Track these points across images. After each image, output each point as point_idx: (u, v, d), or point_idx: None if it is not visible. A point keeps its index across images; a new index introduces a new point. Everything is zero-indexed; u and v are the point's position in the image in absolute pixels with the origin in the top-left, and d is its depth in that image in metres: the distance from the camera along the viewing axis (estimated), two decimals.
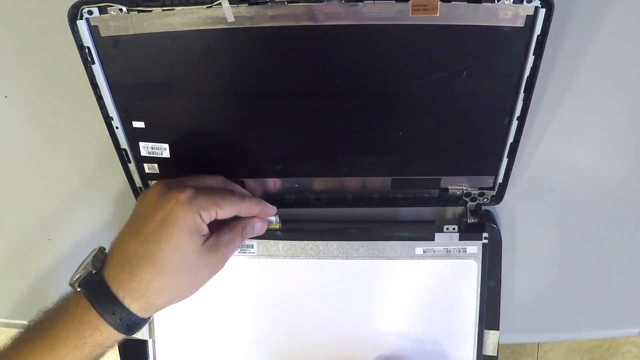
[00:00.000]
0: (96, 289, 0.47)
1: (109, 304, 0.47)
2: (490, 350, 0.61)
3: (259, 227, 0.56)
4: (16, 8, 0.58)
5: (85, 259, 0.50)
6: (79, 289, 0.48)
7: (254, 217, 0.55)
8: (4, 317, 0.67)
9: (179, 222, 0.48)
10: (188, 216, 0.48)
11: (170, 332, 0.62)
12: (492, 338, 0.61)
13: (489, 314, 0.60)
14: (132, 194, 0.60)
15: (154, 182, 0.57)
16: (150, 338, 0.62)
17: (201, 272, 0.50)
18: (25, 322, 0.62)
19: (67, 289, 0.64)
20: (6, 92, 0.61)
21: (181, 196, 0.48)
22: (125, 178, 0.59)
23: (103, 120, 0.54)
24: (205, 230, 0.50)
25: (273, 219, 0.59)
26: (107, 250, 0.50)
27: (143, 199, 0.51)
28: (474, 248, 0.59)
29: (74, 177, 0.63)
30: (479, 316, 0.60)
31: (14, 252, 0.65)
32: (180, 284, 0.49)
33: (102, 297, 0.47)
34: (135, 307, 0.48)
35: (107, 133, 0.55)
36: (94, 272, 0.48)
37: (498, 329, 0.60)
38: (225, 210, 0.50)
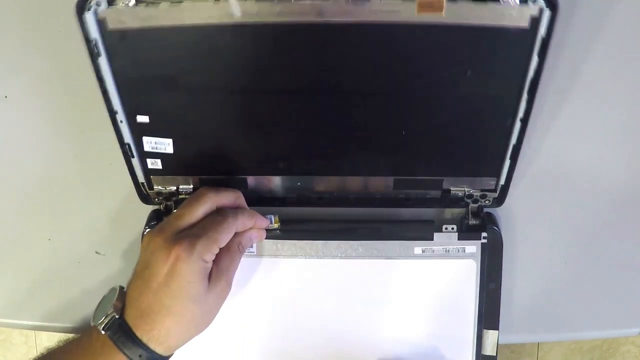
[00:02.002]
0: (122, 333, 0.50)
1: (135, 347, 0.50)
2: (489, 350, 0.61)
3: (256, 237, 0.58)
4: (16, 8, 0.58)
5: (104, 298, 0.53)
6: (103, 332, 0.50)
7: (249, 229, 0.57)
8: (4, 317, 0.66)
9: (184, 275, 0.50)
10: (192, 267, 0.50)
11: None
12: (492, 338, 0.61)
13: (489, 314, 0.60)
14: (132, 193, 0.60)
15: (148, 230, 0.57)
16: None
17: (212, 305, 0.53)
18: (25, 322, 0.62)
19: (67, 289, 0.64)
20: (6, 92, 0.61)
21: (181, 252, 0.50)
22: (126, 178, 0.59)
23: (103, 120, 0.54)
24: (210, 266, 0.52)
25: (272, 218, 0.59)
26: (125, 289, 0.53)
27: (147, 249, 0.52)
28: (473, 248, 0.59)
29: (74, 177, 0.63)
30: (478, 316, 0.60)
31: (14, 252, 0.65)
32: (198, 324, 0.53)
33: (128, 342, 0.50)
34: (160, 349, 0.51)
35: (107, 133, 0.55)
36: (117, 317, 0.51)
37: (497, 329, 0.60)
38: (224, 240, 0.53)
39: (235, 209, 0.55)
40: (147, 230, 0.55)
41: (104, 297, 0.54)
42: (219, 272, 0.53)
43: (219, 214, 0.54)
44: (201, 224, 0.52)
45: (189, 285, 0.50)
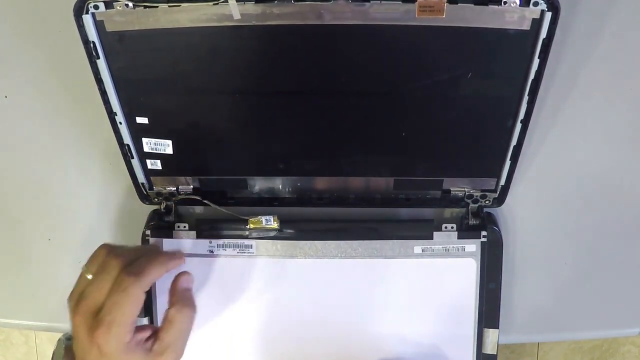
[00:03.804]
0: None
1: None
2: (489, 348, 0.61)
3: (185, 283, 0.55)
4: (16, 8, 0.58)
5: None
6: None
7: (177, 280, 0.55)
8: (4, 317, 0.67)
9: (114, 357, 0.47)
10: (118, 350, 0.47)
11: None
12: (492, 337, 0.61)
13: (489, 313, 0.60)
14: (132, 193, 0.60)
15: (69, 302, 0.50)
16: None
17: None
18: (25, 322, 0.62)
19: (67, 289, 0.64)
20: (6, 92, 0.61)
21: (101, 342, 0.47)
22: (125, 178, 0.59)
23: (103, 120, 0.54)
24: (139, 338, 0.50)
25: (271, 218, 0.59)
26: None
27: (73, 327, 0.49)
28: (473, 247, 0.59)
29: (74, 177, 0.63)
30: (479, 315, 0.60)
31: (14, 252, 0.65)
32: None
33: None
34: None
35: (107, 133, 0.55)
36: None
37: (498, 328, 0.61)
38: (135, 311, 0.49)
39: (134, 273, 0.49)
40: (69, 297, 0.50)
41: (54, 351, 0.52)
42: (162, 345, 0.50)
43: (119, 287, 0.48)
44: (106, 305, 0.48)
45: None
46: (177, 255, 0.57)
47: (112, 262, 0.49)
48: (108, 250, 0.51)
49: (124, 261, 0.49)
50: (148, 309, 0.60)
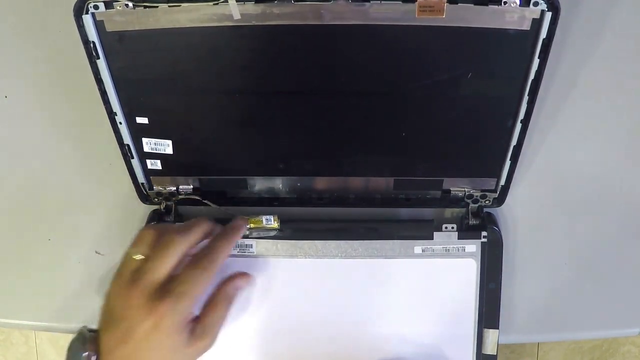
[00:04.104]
0: None
1: None
2: (489, 349, 0.61)
3: (242, 284, 0.57)
4: (16, 8, 0.58)
5: (73, 343, 0.51)
6: None
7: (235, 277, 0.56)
8: (4, 317, 0.66)
9: (168, 332, 0.49)
10: (175, 325, 0.49)
11: None
12: (492, 337, 0.61)
13: (489, 313, 0.60)
14: (132, 193, 0.60)
15: (116, 279, 0.51)
16: None
17: (191, 357, 0.52)
18: (25, 322, 0.62)
19: (67, 289, 0.64)
20: (6, 92, 0.61)
21: (165, 312, 0.48)
22: (126, 178, 0.59)
23: (103, 120, 0.54)
24: (191, 317, 0.51)
25: (272, 218, 0.59)
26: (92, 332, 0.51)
27: (121, 300, 0.50)
28: (473, 247, 0.59)
29: (74, 177, 0.63)
30: (479, 315, 0.60)
31: (14, 252, 0.65)
32: None
33: None
34: None
35: (107, 133, 0.55)
36: None
37: (498, 328, 0.61)
38: (204, 293, 0.52)
39: (210, 253, 0.53)
40: (115, 277, 0.52)
41: (73, 341, 0.51)
42: (204, 329, 0.52)
43: (196, 265, 0.51)
44: (180, 279, 0.50)
45: (170, 340, 0.49)
46: (239, 223, 0.57)
47: (172, 239, 0.51)
48: (159, 230, 0.52)
49: (185, 238, 0.51)
50: None
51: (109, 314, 0.50)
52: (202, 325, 0.52)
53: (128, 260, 0.51)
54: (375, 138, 0.55)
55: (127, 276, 0.50)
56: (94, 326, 0.51)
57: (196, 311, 0.53)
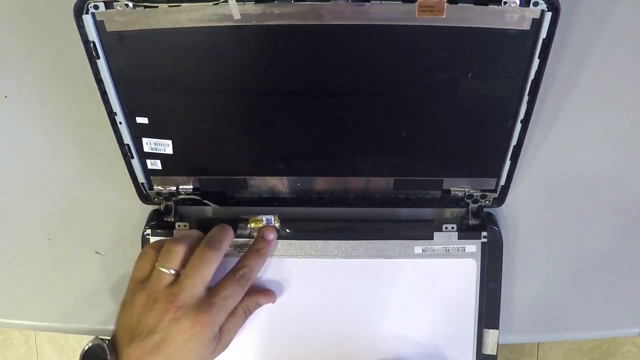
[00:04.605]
0: None
1: None
2: (489, 349, 0.61)
3: (264, 302, 0.60)
4: (16, 8, 0.58)
5: (88, 353, 0.53)
6: None
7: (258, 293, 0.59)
8: (4, 317, 0.66)
9: (202, 342, 0.53)
10: (210, 335, 0.53)
11: None
12: (492, 337, 0.61)
13: (489, 313, 0.60)
14: (132, 193, 0.60)
15: (147, 285, 0.54)
16: None
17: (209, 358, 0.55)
18: (25, 322, 0.62)
19: (67, 289, 0.64)
20: (6, 92, 0.61)
21: (206, 323, 0.52)
22: (125, 178, 0.59)
23: (103, 120, 0.54)
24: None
25: (272, 218, 0.59)
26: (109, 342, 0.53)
27: (157, 313, 0.52)
28: (473, 247, 0.59)
29: (74, 177, 0.63)
30: (479, 315, 0.60)
31: (14, 252, 0.65)
32: None
33: None
34: None
35: (107, 133, 0.55)
36: None
37: (498, 328, 0.61)
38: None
39: (246, 269, 0.56)
40: (143, 290, 0.54)
41: (88, 352, 0.53)
42: (224, 336, 0.55)
43: (234, 281, 0.55)
44: (220, 292, 0.54)
45: (203, 348, 0.53)
46: (269, 237, 0.59)
47: (207, 256, 0.54)
48: (190, 243, 0.55)
49: (218, 253, 0.55)
50: None
51: (135, 326, 0.52)
52: (222, 332, 0.55)
53: (158, 275, 0.53)
54: (375, 138, 0.55)
55: (160, 291, 0.53)
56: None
57: None
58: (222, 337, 0.55)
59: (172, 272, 0.53)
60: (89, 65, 0.51)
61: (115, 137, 0.56)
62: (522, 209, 0.62)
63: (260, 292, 0.59)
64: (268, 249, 0.58)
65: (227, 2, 0.46)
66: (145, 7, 0.47)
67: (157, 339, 0.51)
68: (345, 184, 0.60)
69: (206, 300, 0.53)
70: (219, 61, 0.50)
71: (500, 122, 0.54)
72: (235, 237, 0.60)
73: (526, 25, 0.47)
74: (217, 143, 0.57)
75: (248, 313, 0.58)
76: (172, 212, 0.61)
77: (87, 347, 0.53)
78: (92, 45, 0.49)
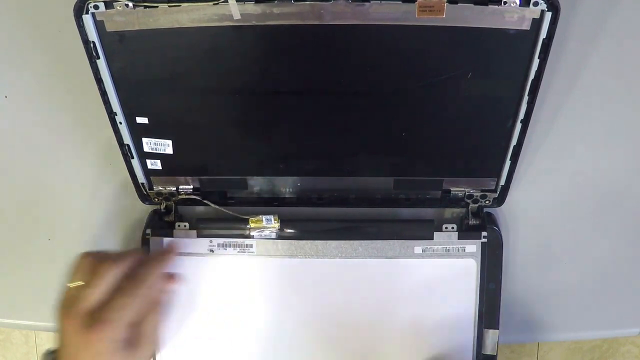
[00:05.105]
0: None
1: None
2: (489, 349, 0.61)
3: (170, 284, 0.58)
4: (16, 8, 0.58)
5: None
6: None
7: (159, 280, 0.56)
8: (4, 317, 0.67)
9: (106, 355, 0.50)
10: (112, 347, 0.50)
11: (171, 332, 0.62)
12: (492, 337, 0.61)
13: (489, 313, 0.60)
14: (132, 193, 0.60)
15: (60, 305, 0.52)
16: None
17: None
18: (25, 322, 0.62)
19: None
20: (6, 92, 0.61)
21: (99, 339, 0.49)
22: (126, 178, 0.59)
23: (103, 120, 0.54)
24: (124, 336, 0.52)
25: (272, 218, 0.59)
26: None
27: (63, 330, 0.51)
28: (473, 247, 0.59)
29: (74, 177, 0.63)
30: (479, 315, 0.60)
31: (14, 252, 0.65)
32: None
33: None
34: None
35: (107, 133, 0.55)
36: None
37: (498, 328, 0.61)
38: (135, 312, 0.52)
39: (135, 279, 0.53)
40: (57, 304, 0.53)
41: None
42: (141, 338, 0.53)
43: (122, 292, 0.51)
44: (108, 306, 0.51)
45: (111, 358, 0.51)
46: (168, 252, 0.58)
47: (105, 267, 0.51)
48: (94, 258, 0.53)
49: (116, 265, 0.52)
50: None
51: (58, 339, 0.52)
52: (138, 335, 0.53)
53: (66, 288, 0.52)
54: (374, 138, 0.55)
55: (64, 303, 0.51)
56: None
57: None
58: (140, 339, 0.53)
59: (76, 284, 0.52)
60: (89, 65, 0.51)
61: (115, 137, 0.56)
62: (522, 209, 0.62)
63: (163, 279, 0.57)
64: (161, 262, 0.56)
65: (227, 2, 0.46)
66: (145, 7, 0.47)
67: (69, 352, 0.51)
68: (345, 184, 0.60)
69: (95, 315, 0.50)
70: (219, 61, 0.51)
71: (500, 122, 0.54)
72: (235, 238, 0.60)
73: (526, 25, 0.47)
74: (217, 143, 0.57)
75: (159, 306, 0.56)
76: (172, 212, 0.61)
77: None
78: (92, 45, 0.49)
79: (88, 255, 0.53)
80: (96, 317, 0.50)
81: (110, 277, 0.51)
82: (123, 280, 0.52)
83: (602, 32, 0.56)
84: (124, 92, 0.53)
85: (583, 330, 0.59)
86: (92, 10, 0.47)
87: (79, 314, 0.50)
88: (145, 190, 0.60)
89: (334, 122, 0.55)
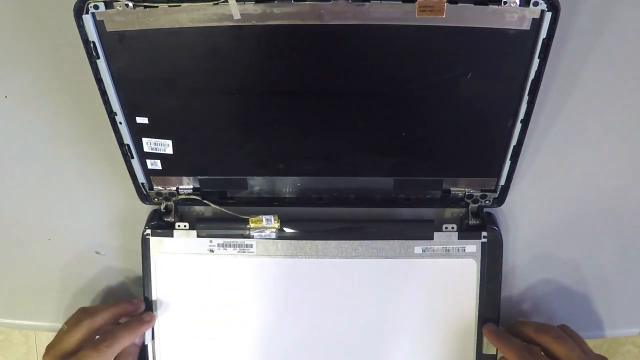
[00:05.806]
0: None
1: None
2: (489, 349, 0.61)
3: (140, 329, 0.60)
4: (16, 8, 0.58)
5: None
6: None
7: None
8: (4, 317, 0.67)
9: None
10: None
11: (171, 332, 0.62)
12: None
13: (489, 313, 0.60)
14: (132, 193, 0.60)
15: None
16: (152, 340, 0.62)
17: None
18: (25, 322, 0.63)
19: (67, 289, 0.65)
20: (6, 92, 0.61)
21: None
22: (125, 178, 0.59)
23: (103, 120, 0.54)
24: None
25: (272, 218, 0.59)
26: None
27: None
28: (473, 247, 0.59)
29: (74, 177, 0.63)
30: (479, 315, 0.61)
31: (14, 252, 0.65)
32: None
33: None
34: None
35: (107, 133, 0.55)
36: None
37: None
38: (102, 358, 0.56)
39: (109, 338, 0.56)
40: (50, 342, 0.57)
41: None
42: None
43: (94, 346, 0.55)
44: (78, 355, 0.55)
45: None
46: (146, 319, 0.61)
47: (85, 320, 0.57)
48: (82, 311, 0.59)
49: (95, 321, 0.57)
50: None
51: None
52: None
53: (59, 331, 0.57)
54: (374, 138, 0.55)
55: (51, 343, 0.57)
56: None
57: None
58: None
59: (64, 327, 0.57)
60: (89, 65, 0.51)
61: (115, 137, 0.56)
62: (522, 209, 0.62)
63: (136, 329, 0.60)
64: (142, 329, 0.60)
65: (227, 2, 0.46)
66: (145, 7, 0.47)
67: None
68: (345, 184, 0.60)
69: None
70: (219, 61, 0.50)
71: (501, 122, 0.54)
72: (235, 238, 0.60)
73: (526, 25, 0.47)
74: (217, 143, 0.57)
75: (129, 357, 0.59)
76: (172, 212, 0.61)
77: None
78: (92, 45, 0.49)
79: (81, 309, 0.59)
80: None
81: (84, 326, 0.56)
82: (101, 333, 0.57)
83: (602, 32, 0.56)
84: (124, 92, 0.53)
85: (583, 330, 0.59)
86: (92, 10, 0.47)
87: (55, 355, 0.55)
88: (145, 190, 0.60)
89: (334, 122, 0.55)
